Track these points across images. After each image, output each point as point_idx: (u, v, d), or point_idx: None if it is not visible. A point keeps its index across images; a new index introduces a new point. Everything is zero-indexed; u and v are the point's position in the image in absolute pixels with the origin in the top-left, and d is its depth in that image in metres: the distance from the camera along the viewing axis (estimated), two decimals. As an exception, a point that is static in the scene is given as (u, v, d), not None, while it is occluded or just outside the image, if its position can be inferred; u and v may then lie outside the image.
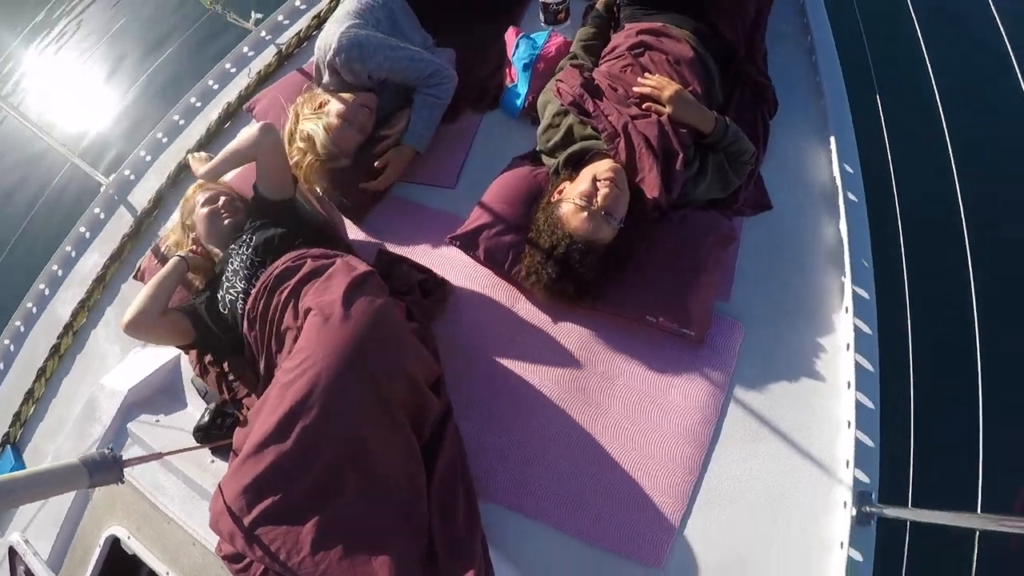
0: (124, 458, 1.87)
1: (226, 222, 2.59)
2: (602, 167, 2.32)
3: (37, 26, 7.79)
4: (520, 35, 2.97)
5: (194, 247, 2.66)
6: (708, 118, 2.32)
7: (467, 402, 2.31)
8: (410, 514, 1.96)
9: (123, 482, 1.89)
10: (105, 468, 1.83)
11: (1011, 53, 2.44)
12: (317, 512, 1.88)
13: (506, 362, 2.38)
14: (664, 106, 2.35)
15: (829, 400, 2.17)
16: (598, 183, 2.27)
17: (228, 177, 2.82)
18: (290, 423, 1.91)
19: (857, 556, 1.94)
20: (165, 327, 2.47)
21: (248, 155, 2.58)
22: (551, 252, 2.28)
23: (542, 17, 3.01)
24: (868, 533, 1.97)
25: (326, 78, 2.89)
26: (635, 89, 2.42)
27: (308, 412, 1.91)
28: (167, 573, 2.16)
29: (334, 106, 2.74)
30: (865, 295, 2.25)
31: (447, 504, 2.02)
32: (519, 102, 2.83)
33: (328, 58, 2.80)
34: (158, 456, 2.07)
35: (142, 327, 2.43)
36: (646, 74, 2.45)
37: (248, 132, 2.61)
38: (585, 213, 2.25)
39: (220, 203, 2.61)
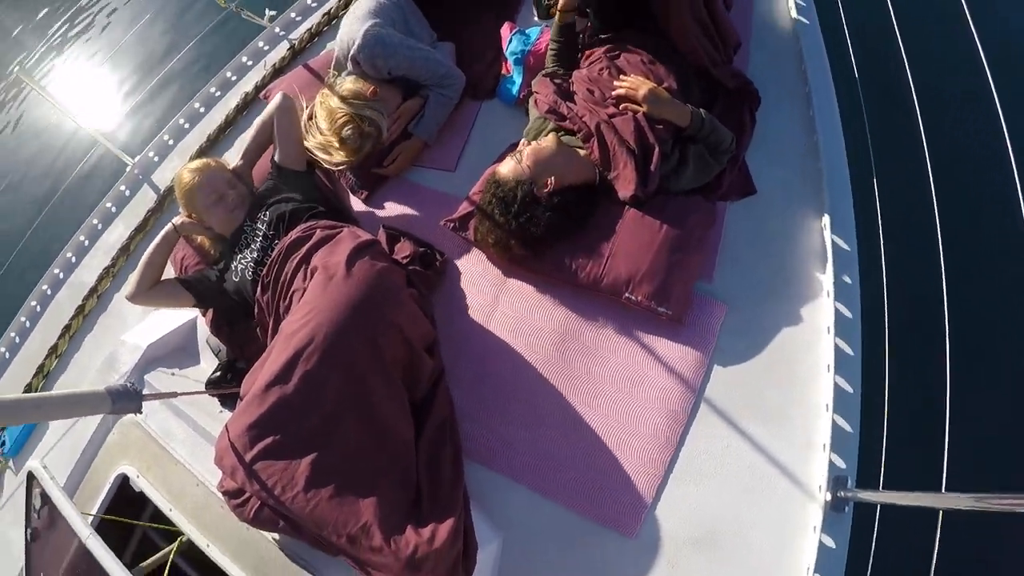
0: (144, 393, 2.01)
1: (234, 211, 2.66)
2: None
3: (71, 16, 8.04)
4: (514, 30, 3.03)
5: (191, 215, 2.73)
6: (684, 112, 2.35)
7: (456, 367, 2.37)
8: (399, 463, 2.05)
9: (141, 412, 2.01)
10: (126, 398, 1.95)
11: (981, 51, 2.47)
12: (313, 453, 1.95)
13: (493, 331, 2.43)
14: (640, 105, 2.38)
15: (808, 383, 2.14)
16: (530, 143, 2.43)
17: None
18: (292, 367, 2.00)
19: (830, 543, 1.92)
20: (160, 297, 2.63)
21: (268, 122, 2.72)
22: (488, 203, 2.39)
23: (535, 12, 3.06)
24: (843, 520, 1.96)
25: (348, 68, 2.97)
26: (612, 93, 2.46)
27: (310, 358, 2.00)
28: (170, 510, 2.24)
29: (384, 98, 2.82)
30: (847, 280, 2.23)
31: (434, 458, 2.10)
32: (514, 92, 2.90)
33: (352, 52, 2.87)
34: (173, 395, 2.19)
35: (137, 297, 2.61)
36: (621, 76, 2.50)
37: (266, 110, 2.76)
38: (508, 160, 2.41)
39: (230, 197, 2.65)
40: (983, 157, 3.57)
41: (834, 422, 2.03)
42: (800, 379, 2.14)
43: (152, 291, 2.63)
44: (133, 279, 2.62)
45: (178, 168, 2.91)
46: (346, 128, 2.72)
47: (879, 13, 2.94)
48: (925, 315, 2.51)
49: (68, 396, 1.90)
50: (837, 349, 2.12)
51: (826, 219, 2.33)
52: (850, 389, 2.08)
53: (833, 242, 2.28)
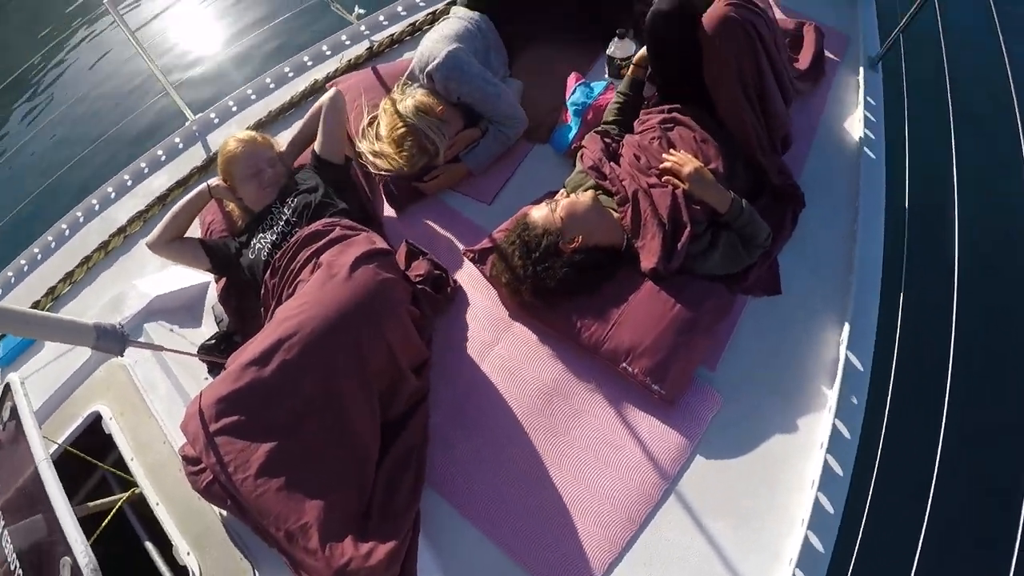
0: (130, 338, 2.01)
1: (266, 189, 2.70)
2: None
3: None
4: (580, 81, 3.04)
5: (226, 182, 2.79)
6: (724, 198, 2.31)
7: (440, 395, 2.35)
8: (358, 472, 2.03)
9: (122, 356, 2.01)
10: (111, 338, 1.96)
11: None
12: (274, 442, 1.94)
13: (486, 369, 2.40)
14: (683, 181, 2.36)
15: (789, 494, 2.04)
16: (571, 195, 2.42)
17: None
18: (273, 353, 1.99)
19: None
20: (179, 252, 2.68)
21: (315, 115, 2.79)
22: (511, 243, 2.37)
23: (607, 69, 3.08)
24: None
25: (422, 82, 2.98)
26: (659, 165, 2.44)
27: (291, 348, 1.99)
28: (132, 460, 2.25)
29: (446, 116, 2.85)
30: (854, 400, 2.15)
31: (394, 480, 2.08)
32: (567, 141, 2.90)
33: (430, 68, 2.88)
34: (159, 348, 2.19)
35: (157, 247, 2.67)
36: (671, 150, 2.47)
37: (317, 104, 2.82)
38: (542, 205, 2.40)
39: (266, 174, 2.71)
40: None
41: (807, 539, 1.93)
42: (782, 488, 2.05)
43: (172, 244, 2.68)
44: (158, 228, 2.68)
45: (232, 133, 2.95)
46: (406, 140, 2.77)
47: (941, 154, 2.89)
48: (922, 451, 2.39)
49: (56, 320, 1.91)
50: (826, 466, 2.02)
51: (845, 335, 2.27)
52: (831, 510, 1.98)
53: (847, 359, 2.22)
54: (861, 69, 3.04)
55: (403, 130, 2.78)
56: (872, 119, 2.88)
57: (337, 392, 2.03)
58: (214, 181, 2.78)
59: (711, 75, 2.49)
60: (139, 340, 2.14)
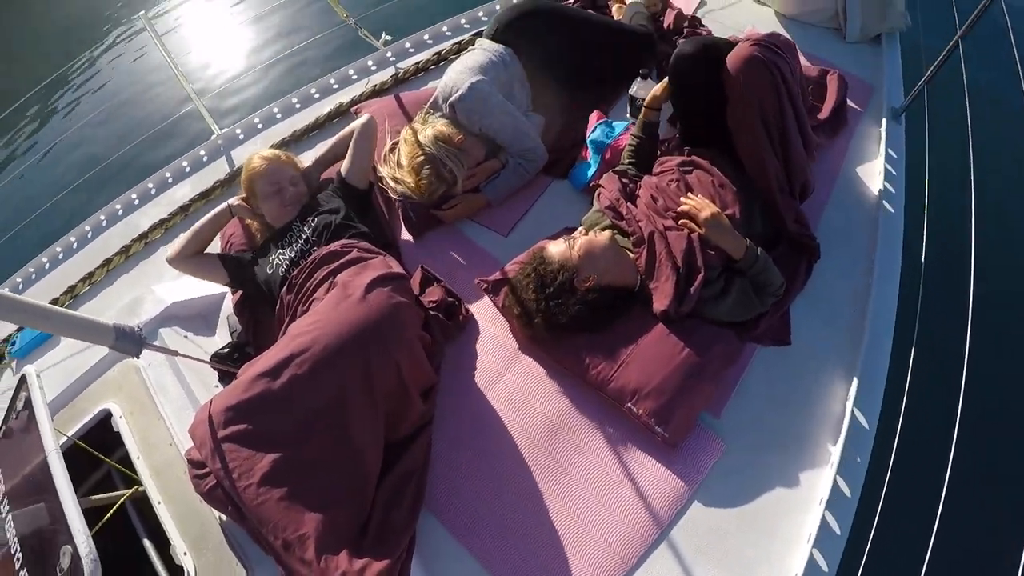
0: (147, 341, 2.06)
1: (287, 207, 2.74)
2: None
3: None
4: (601, 120, 3.07)
5: (247, 199, 2.84)
6: (739, 245, 2.32)
7: (446, 420, 2.36)
8: (358, 490, 2.05)
9: (138, 357, 2.06)
10: (129, 339, 2.01)
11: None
12: (278, 453, 1.97)
13: (493, 398, 2.40)
14: (699, 226, 2.36)
15: (785, 549, 2.00)
16: (588, 232, 2.44)
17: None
18: (284, 367, 2.02)
19: None
20: (198, 267, 2.72)
21: (348, 136, 2.82)
22: (526, 276, 2.38)
23: (629, 108, 3.10)
24: None
25: (444, 111, 3.03)
26: (677, 208, 2.45)
27: (302, 364, 2.02)
28: (138, 458, 2.28)
29: (468, 146, 2.90)
30: (857, 459, 2.13)
31: (393, 500, 2.09)
32: (585, 178, 2.93)
33: (453, 99, 2.93)
34: (174, 353, 2.23)
35: (176, 262, 2.70)
36: (688, 194, 2.48)
37: (352, 125, 2.85)
38: (560, 241, 2.42)
39: (288, 192, 2.75)
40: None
41: None
42: (778, 542, 2.02)
43: (192, 260, 2.71)
44: (178, 243, 2.71)
45: (255, 150, 3.02)
46: (424, 168, 2.80)
47: (961, 209, 2.86)
48: (921, 513, 2.33)
49: (76, 318, 1.96)
50: (824, 523, 1.99)
51: (853, 391, 2.25)
52: (825, 568, 1.94)
53: (853, 416, 2.20)
54: (884, 120, 3.06)
55: (422, 158, 2.82)
56: (893, 172, 2.89)
57: (344, 409, 2.05)
58: (235, 200, 2.83)
59: (734, 115, 2.51)
60: (155, 344, 2.18)
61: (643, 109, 2.78)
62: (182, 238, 2.73)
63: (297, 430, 2.01)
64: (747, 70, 2.38)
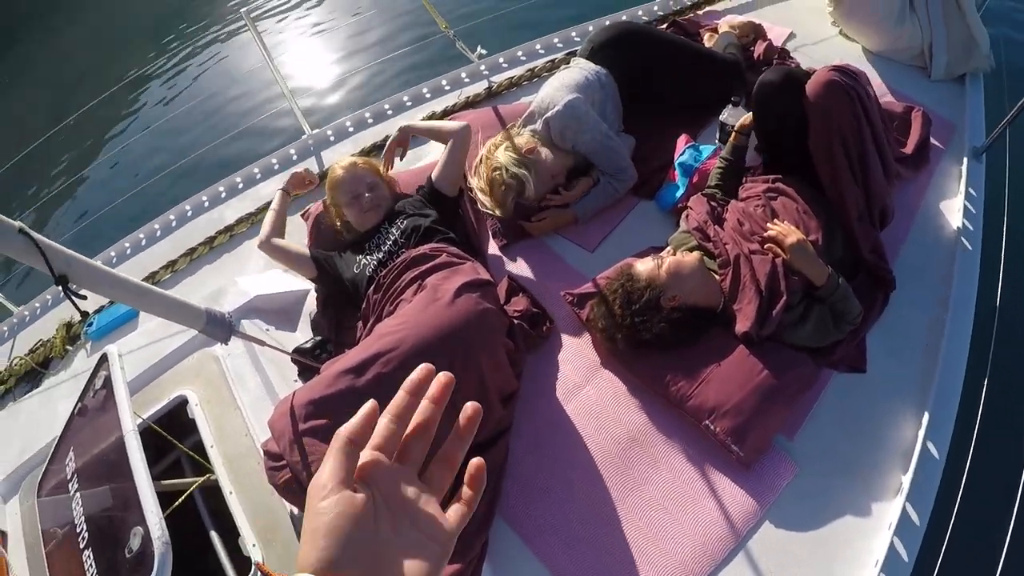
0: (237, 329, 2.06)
1: (367, 213, 2.77)
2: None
3: None
4: (689, 143, 3.06)
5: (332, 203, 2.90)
6: (822, 272, 2.31)
7: (523, 428, 2.35)
8: None
9: (227, 344, 2.05)
10: (220, 324, 2.01)
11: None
12: None
13: (571, 409, 2.39)
14: (784, 252, 2.36)
15: (851, 573, 1.99)
16: (676, 252, 2.41)
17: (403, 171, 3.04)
18: (370, 365, 2.02)
19: None
20: (288, 256, 2.76)
21: (446, 134, 2.83)
22: (613, 291, 2.36)
23: (718, 134, 3.09)
24: None
25: (538, 126, 3.02)
26: (764, 233, 2.44)
27: (388, 363, 2.01)
28: (212, 447, 2.28)
29: (547, 160, 2.90)
30: (926, 487, 2.10)
31: None
32: (673, 200, 2.91)
33: (549, 115, 2.94)
34: (261, 343, 2.22)
35: (263, 246, 2.77)
36: (775, 220, 2.48)
37: (453, 123, 2.85)
38: (648, 259, 2.39)
39: (365, 199, 2.77)
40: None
41: None
42: (845, 565, 2.00)
43: (281, 247, 2.75)
44: (264, 229, 2.79)
45: (345, 152, 3.03)
46: (494, 180, 2.82)
47: None
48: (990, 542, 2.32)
49: (170, 299, 1.96)
50: (891, 549, 1.97)
51: (924, 422, 2.22)
52: None
53: (924, 446, 2.17)
54: (965, 159, 3.02)
55: (495, 173, 2.83)
56: (972, 209, 2.85)
57: None
58: (286, 184, 2.94)
59: (814, 140, 2.51)
60: (244, 332, 2.17)
61: (733, 133, 2.79)
62: (265, 224, 2.81)
63: None
64: (826, 94, 2.40)
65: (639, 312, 2.29)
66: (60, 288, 1.68)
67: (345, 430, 0.60)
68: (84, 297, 1.72)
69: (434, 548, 0.57)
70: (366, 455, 0.59)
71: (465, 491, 0.63)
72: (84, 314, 1.86)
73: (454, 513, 0.61)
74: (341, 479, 0.57)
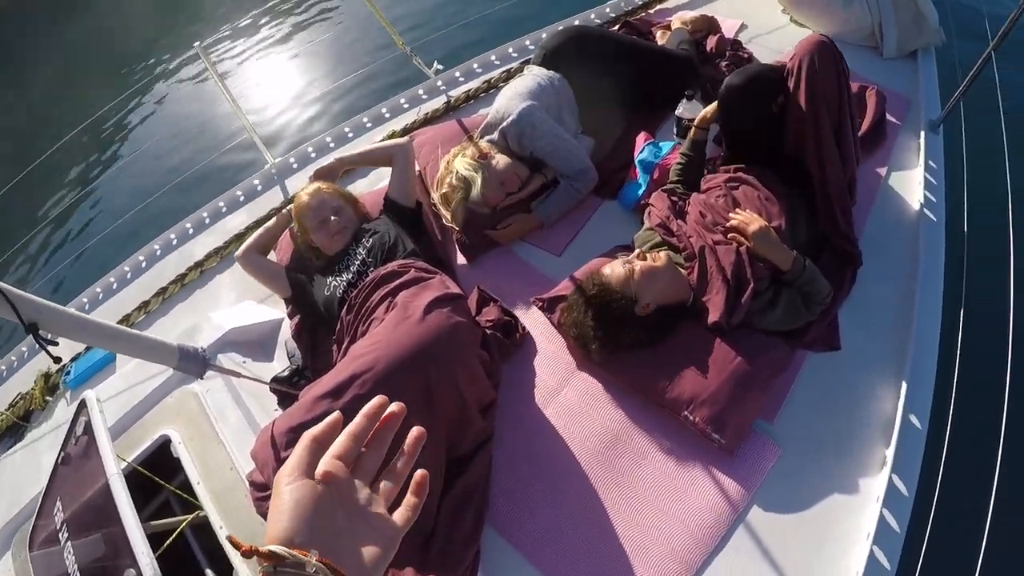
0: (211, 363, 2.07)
1: (335, 237, 2.78)
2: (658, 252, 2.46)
3: (262, 12, 8.79)
4: (648, 141, 3.08)
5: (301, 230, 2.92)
6: (787, 257, 2.33)
7: (505, 436, 2.35)
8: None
9: (202, 378, 2.06)
10: (193, 359, 2.02)
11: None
12: None
13: (551, 413, 2.40)
14: (748, 240, 2.37)
15: (844, 548, 1.99)
16: (645, 255, 2.41)
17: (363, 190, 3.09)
18: (346, 387, 2.01)
19: None
20: (264, 272, 2.84)
21: (387, 153, 2.90)
22: (585, 301, 2.37)
23: (675, 129, 3.12)
24: None
25: (495, 136, 3.06)
26: (727, 224, 2.46)
27: (364, 383, 2.00)
28: (198, 483, 2.26)
29: (499, 167, 2.94)
30: (910, 457, 2.12)
31: (456, 514, 2.08)
32: (635, 198, 2.94)
33: (504, 125, 2.97)
34: (236, 374, 2.23)
35: (244, 260, 2.83)
36: (736, 209, 2.50)
37: (389, 142, 2.93)
38: (616, 261, 2.40)
39: (331, 223, 2.78)
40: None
41: None
42: (837, 542, 2.01)
43: (260, 262, 2.83)
44: (247, 242, 2.85)
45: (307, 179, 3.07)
46: (446, 179, 2.92)
47: (1000, 216, 2.89)
48: (974, 504, 2.33)
49: (142, 338, 1.97)
50: (882, 520, 1.99)
51: (903, 393, 2.24)
52: (887, 565, 1.94)
53: (904, 417, 2.19)
54: (922, 132, 3.07)
55: (448, 177, 2.94)
56: (933, 181, 2.90)
57: (404, 428, 2.02)
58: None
59: (799, 106, 2.52)
60: (218, 365, 2.18)
61: (693, 128, 2.81)
62: (251, 237, 2.87)
63: None
64: (820, 52, 2.47)
65: (612, 322, 2.32)
66: (32, 336, 1.68)
67: (311, 431, 0.70)
68: (55, 343, 1.73)
69: (384, 539, 0.65)
70: (326, 462, 0.67)
71: (409, 498, 0.72)
72: (57, 359, 1.85)
73: (399, 516, 0.69)
74: (303, 470, 0.66)
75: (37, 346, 3.31)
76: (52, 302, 1.76)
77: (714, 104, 2.72)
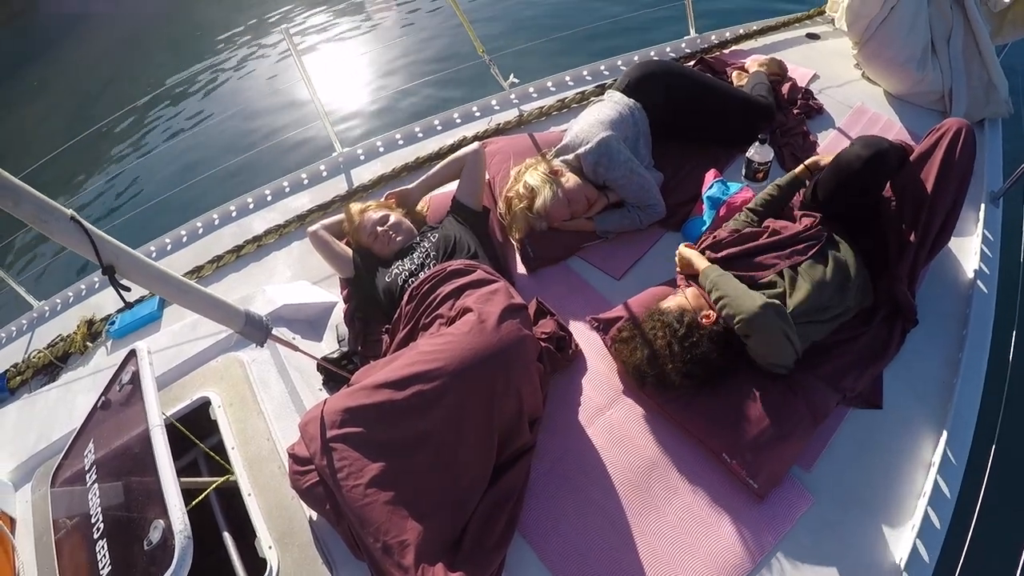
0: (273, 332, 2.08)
1: (389, 245, 2.84)
2: None
3: (351, 7, 9.01)
4: (717, 178, 3.08)
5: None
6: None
7: (546, 448, 2.35)
8: (459, 507, 2.04)
9: (263, 346, 2.06)
10: (257, 326, 2.02)
11: None
12: (391, 460, 1.98)
13: (593, 432, 2.39)
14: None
15: None
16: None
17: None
18: (412, 382, 2.03)
19: None
20: (331, 250, 2.89)
21: (460, 161, 2.95)
22: (651, 330, 2.37)
23: (744, 170, 3.13)
24: None
25: (570, 158, 3.07)
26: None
27: (430, 382, 2.02)
28: (232, 448, 2.28)
29: (568, 184, 2.96)
30: (936, 524, 2.09)
31: (490, 519, 2.07)
32: (699, 233, 2.93)
33: (581, 151, 2.99)
34: (295, 347, 2.22)
35: (316, 234, 2.90)
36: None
37: (457, 153, 2.99)
38: (669, 299, 2.44)
39: (382, 238, 2.84)
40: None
41: None
42: None
43: (330, 239, 2.90)
44: (323, 221, 2.97)
45: (375, 171, 3.21)
46: (516, 187, 2.94)
47: None
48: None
49: (212, 297, 1.96)
50: None
51: (937, 460, 2.22)
52: None
53: (936, 483, 2.18)
54: (982, 203, 3.05)
55: (517, 185, 2.96)
56: (988, 253, 2.88)
57: (460, 430, 2.05)
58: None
59: (938, 195, 2.51)
60: (279, 337, 2.18)
61: (802, 167, 2.80)
62: (331, 218, 2.99)
63: (410, 442, 2.02)
64: (970, 141, 2.50)
65: (686, 336, 2.30)
66: (107, 278, 1.68)
67: None
68: (128, 289, 1.74)
69: None
70: None
71: None
72: (129, 304, 1.87)
73: None
74: None
75: (84, 293, 3.39)
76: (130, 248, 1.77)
77: (829, 156, 2.70)
